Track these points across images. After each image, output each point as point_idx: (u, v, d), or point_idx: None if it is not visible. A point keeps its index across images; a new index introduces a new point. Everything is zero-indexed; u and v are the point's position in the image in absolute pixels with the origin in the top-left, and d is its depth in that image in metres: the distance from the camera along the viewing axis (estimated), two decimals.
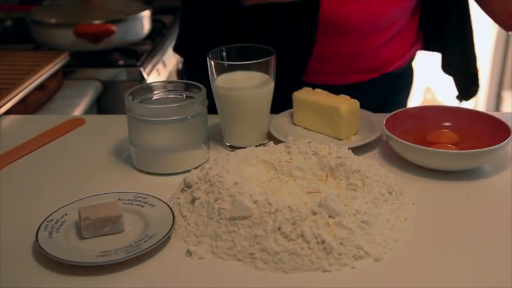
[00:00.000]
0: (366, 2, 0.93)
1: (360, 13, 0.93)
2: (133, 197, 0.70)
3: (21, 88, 1.17)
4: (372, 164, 0.74)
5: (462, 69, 1.08)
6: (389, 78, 1.04)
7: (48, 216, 0.67)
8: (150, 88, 0.82)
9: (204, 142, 0.81)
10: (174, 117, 0.76)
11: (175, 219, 0.66)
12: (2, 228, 0.68)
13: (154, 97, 0.82)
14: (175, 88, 0.82)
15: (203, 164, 0.79)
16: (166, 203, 0.69)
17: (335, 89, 0.89)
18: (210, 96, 0.82)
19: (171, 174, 0.79)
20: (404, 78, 1.09)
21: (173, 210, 0.67)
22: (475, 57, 1.09)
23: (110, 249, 0.61)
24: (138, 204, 0.69)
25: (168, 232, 0.63)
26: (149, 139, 0.78)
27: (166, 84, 0.83)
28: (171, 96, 0.82)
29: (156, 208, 0.68)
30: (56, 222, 0.66)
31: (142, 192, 0.71)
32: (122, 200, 0.70)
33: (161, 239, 0.62)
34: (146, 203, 0.69)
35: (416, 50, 1.09)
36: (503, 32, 2.52)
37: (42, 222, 0.65)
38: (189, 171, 0.75)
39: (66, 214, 0.67)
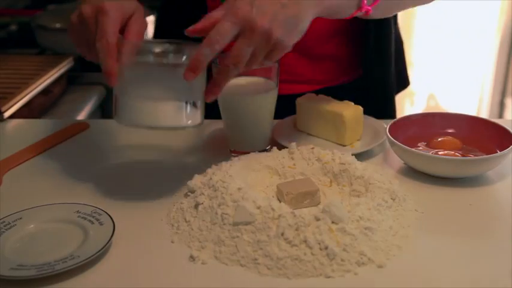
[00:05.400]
0: None
1: None
2: (91, 211, 0.68)
3: (25, 92, 1.17)
4: (375, 170, 0.74)
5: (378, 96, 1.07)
6: (343, 91, 1.02)
7: (2, 218, 0.67)
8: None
9: (200, 99, 0.72)
10: (172, 61, 0.72)
11: (178, 226, 0.66)
12: None
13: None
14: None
15: (190, 126, 0.72)
16: (113, 225, 0.65)
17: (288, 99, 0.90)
18: (214, 101, 0.82)
19: (173, 179, 0.79)
20: (361, 92, 1.04)
21: (114, 233, 0.64)
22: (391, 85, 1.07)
23: (27, 264, 0.59)
24: (90, 220, 0.67)
25: (89, 257, 0.60)
26: (140, 86, 0.70)
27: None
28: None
29: (103, 228, 0.65)
30: (5, 225, 0.66)
31: (101, 208, 0.68)
32: (79, 212, 0.68)
33: (77, 263, 0.59)
34: (98, 220, 0.67)
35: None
36: (506, 39, 2.53)
37: None
38: (174, 129, 0.71)
39: (20, 219, 0.67)
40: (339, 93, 0.92)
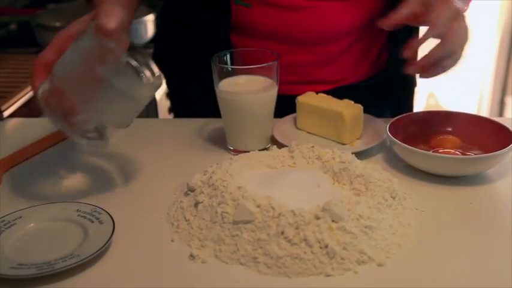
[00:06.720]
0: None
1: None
2: (91, 210, 0.68)
3: (25, 91, 1.18)
4: (375, 168, 0.74)
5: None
6: (356, 90, 1.02)
7: (1, 217, 0.67)
8: None
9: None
10: None
11: (178, 225, 0.66)
12: None
13: None
14: None
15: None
16: (113, 224, 0.65)
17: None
18: (214, 99, 0.82)
19: (173, 178, 0.78)
20: (375, 92, 1.05)
21: (114, 232, 0.64)
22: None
23: (26, 263, 0.60)
24: (89, 219, 0.67)
25: (89, 256, 0.60)
26: None
27: None
28: None
29: (103, 227, 0.65)
30: (5, 224, 0.66)
31: (101, 207, 0.68)
32: (79, 211, 0.68)
33: (77, 262, 0.59)
34: (98, 218, 0.67)
35: (383, 66, 1.07)
36: (506, 38, 2.53)
37: None
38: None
39: (20, 217, 0.67)
40: (347, 93, 0.92)
